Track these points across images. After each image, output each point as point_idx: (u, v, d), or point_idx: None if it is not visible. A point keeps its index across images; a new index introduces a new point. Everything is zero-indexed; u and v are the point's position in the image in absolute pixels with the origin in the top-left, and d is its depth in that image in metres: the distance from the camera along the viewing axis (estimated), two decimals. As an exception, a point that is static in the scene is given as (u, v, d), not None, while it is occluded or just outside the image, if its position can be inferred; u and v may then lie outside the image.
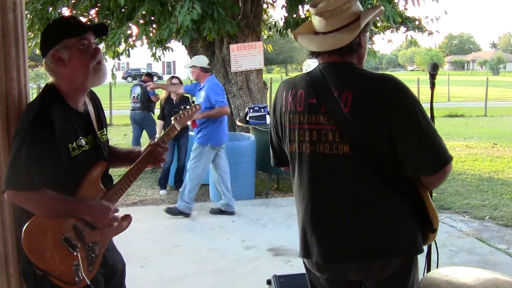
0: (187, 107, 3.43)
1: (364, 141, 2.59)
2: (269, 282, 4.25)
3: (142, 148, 3.18)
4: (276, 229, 7.67)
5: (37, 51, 9.48)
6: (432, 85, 3.51)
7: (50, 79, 2.82)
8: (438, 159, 2.57)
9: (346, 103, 2.60)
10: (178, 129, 3.29)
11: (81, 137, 2.79)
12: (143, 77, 13.05)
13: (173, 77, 10.54)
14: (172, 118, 3.34)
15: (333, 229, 2.75)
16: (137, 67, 65.25)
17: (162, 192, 10.09)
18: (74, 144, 2.73)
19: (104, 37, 8.63)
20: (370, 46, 11.26)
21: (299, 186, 2.87)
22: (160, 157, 3.11)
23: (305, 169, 2.80)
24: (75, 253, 2.69)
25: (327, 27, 2.70)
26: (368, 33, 2.84)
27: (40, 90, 2.84)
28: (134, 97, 11.93)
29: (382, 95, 2.58)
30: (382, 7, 2.90)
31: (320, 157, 2.72)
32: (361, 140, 2.60)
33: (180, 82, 10.24)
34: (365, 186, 2.66)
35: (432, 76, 3.48)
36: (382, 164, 2.63)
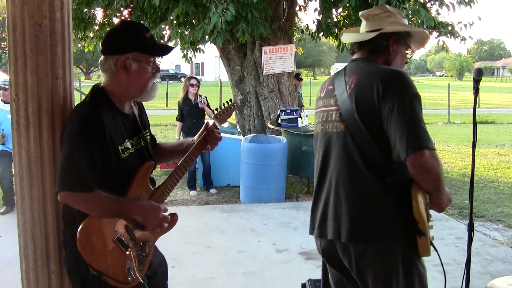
0: (227, 104, 3.42)
1: (357, 120, 2.84)
2: (304, 286, 4.23)
3: (195, 137, 3.24)
4: (307, 232, 7.53)
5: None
6: (476, 91, 3.46)
7: (102, 80, 2.84)
8: (411, 143, 2.65)
9: (350, 86, 2.95)
10: (219, 127, 3.28)
11: (127, 139, 2.82)
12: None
13: (191, 77, 10.55)
14: (212, 116, 3.35)
15: (324, 204, 3.03)
16: (165, 68, 65.60)
17: (192, 192, 10.13)
18: (123, 145, 2.76)
19: None
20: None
21: (315, 165, 3.21)
22: (216, 140, 3.21)
23: (317, 148, 3.20)
24: (127, 253, 2.72)
25: (365, 28, 3.15)
26: (405, 49, 3.16)
27: (89, 92, 2.86)
28: None
29: (380, 79, 2.81)
30: (426, 32, 3.32)
31: (326, 135, 3.07)
32: (355, 119, 2.85)
33: (198, 83, 10.28)
34: (354, 166, 2.87)
35: (476, 82, 3.44)
36: (372, 147, 2.82)
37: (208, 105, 10.06)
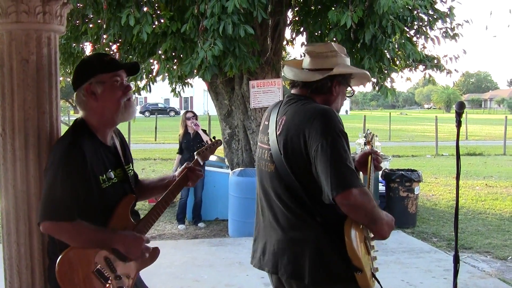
0: (208, 141, 3.52)
1: (285, 162, 2.89)
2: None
3: (176, 173, 3.27)
4: (295, 266, 7.53)
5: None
6: (459, 124, 3.51)
7: (80, 114, 2.88)
8: (335, 184, 2.67)
9: (279, 127, 2.98)
10: (202, 163, 3.34)
11: (110, 170, 2.85)
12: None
13: (187, 111, 10.84)
14: (195, 153, 3.40)
15: (262, 240, 3.09)
16: (154, 101, 65.75)
17: (181, 226, 10.10)
18: (104, 176, 2.80)
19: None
20: (389, 85, 11.23)
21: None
22: (197, 178, 3.24)
23: (256, 181, 3.23)
24: (107, 285, 2.71)
25: (309, 65, 3.10)
26: (347, 91, 3.18)
27: (71, 125, 2.90)
28: None
29: (305, 122, 2.84)
30: (367, 73, 3.27)
31: (261, 173, 3.13)
32: (282, 161, 2.90)
33: (194, 115, 10.54)
34: (285, 206, 2.91)
35: (459, 115, 3.48)
36: (299, 189, 2.87)
37: (204, 132, 10.31)
